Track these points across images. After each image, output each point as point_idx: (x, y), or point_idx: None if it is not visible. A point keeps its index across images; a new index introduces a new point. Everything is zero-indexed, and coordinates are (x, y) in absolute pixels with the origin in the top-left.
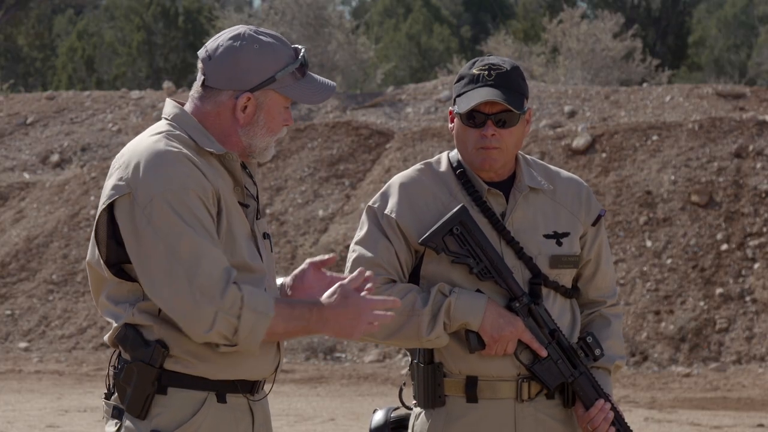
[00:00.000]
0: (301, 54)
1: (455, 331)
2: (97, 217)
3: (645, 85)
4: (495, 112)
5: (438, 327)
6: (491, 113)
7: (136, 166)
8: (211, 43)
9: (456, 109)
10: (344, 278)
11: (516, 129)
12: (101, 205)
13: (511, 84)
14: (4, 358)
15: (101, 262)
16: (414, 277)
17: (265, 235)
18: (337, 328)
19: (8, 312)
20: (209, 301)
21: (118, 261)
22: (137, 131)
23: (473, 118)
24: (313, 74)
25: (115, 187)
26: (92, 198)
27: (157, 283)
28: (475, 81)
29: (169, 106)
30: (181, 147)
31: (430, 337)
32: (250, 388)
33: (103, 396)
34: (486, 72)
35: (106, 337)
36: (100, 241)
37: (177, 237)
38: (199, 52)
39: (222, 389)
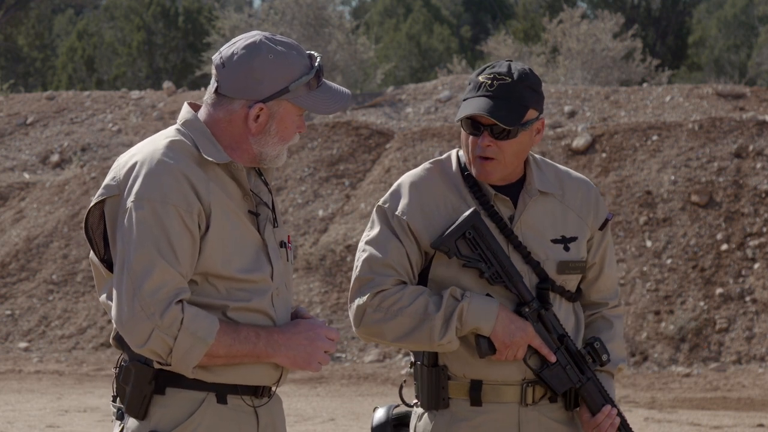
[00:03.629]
0: (316, 63)
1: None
2: (87, 214)
3: (645, 85)
4: (491, 123)
5: (450, 332)
6: (487, 124)
7: (130, 169)
8: (225, 50)
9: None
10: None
11: (516, 140)
12: (92, 202)
13: (512, 95)
14: (4, 358)
15: (96, 259)
16: (422, 279)
17: (282, 244)
18: (292, 355)
19: (8, 312)
20: (148, 317)
21: (110, 258)
22: (137, 131)
23: (471, 126)
24: (328, 82)
25: (106, 187)
26: (92, 198)
27: (114, 285)
28: (476, 89)
29: (183, 111)
30: (180, 159)
31: (442, 341)
32: (253, 391)
33: (111, 399)
34: (489, 82)
35: (111, 338)
36: (93, 238)
37: (136, 247)
38: (213, 58)
39: (222, 390)
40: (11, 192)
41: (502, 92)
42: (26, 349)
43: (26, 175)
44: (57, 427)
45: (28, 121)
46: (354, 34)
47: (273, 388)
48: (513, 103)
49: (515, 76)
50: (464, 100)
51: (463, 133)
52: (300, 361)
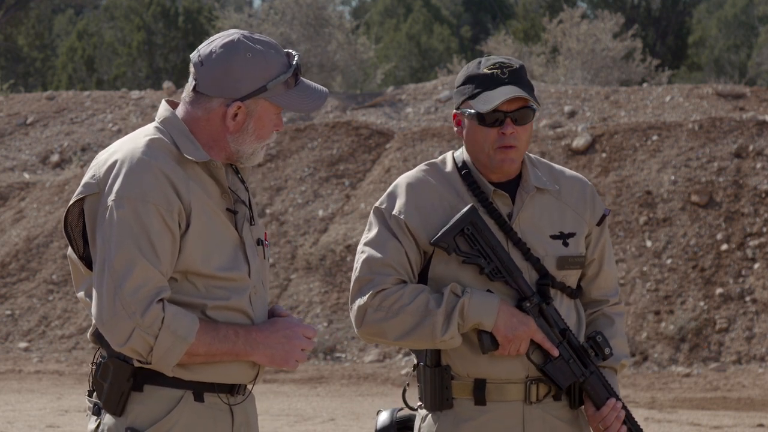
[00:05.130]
0: (294, 62)
1: (464, 333)
2: (66, 211)
3: (645, 85)
4: (513, 109)
5: (452, 327)
6: (509, 111)
7: (110, 167)
8: (203, 48)
9: (473, 110)
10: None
11: (529, 126)
12: (72, 200)
13: (524, 80)
14: (4, 358)
15: (75, 256)
16: (422, 278)
17: (259, 242)
18: (270, 353)
19: (8, 312)
20: (129, 316)
21: (89, 256)
22: None
23: (492, 118)
24: (306, 81)
25: (86, 185)
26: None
27: (94, 284)
28: (490, 80)
29: (162, 108)
30: (160, 157)
31: (445, 337)
32: (229, 389)
33: (86, 393)
34: (499, 71)
35: (88, 334)
36: (71, 235)
37: (117, 246)
38: (191, 56)
39: (199, 388)
40: (11, 192)
41: (515, 78)
42: (26, 349)
43: (26, 175)
44: (57, 427)
45: (28, 121)
46: (354, 34)
47: (249, 387)
48: (527, 86)
49: (516, 63)
50: (474, 95)
51: (475, 129)
52: (278, 360)
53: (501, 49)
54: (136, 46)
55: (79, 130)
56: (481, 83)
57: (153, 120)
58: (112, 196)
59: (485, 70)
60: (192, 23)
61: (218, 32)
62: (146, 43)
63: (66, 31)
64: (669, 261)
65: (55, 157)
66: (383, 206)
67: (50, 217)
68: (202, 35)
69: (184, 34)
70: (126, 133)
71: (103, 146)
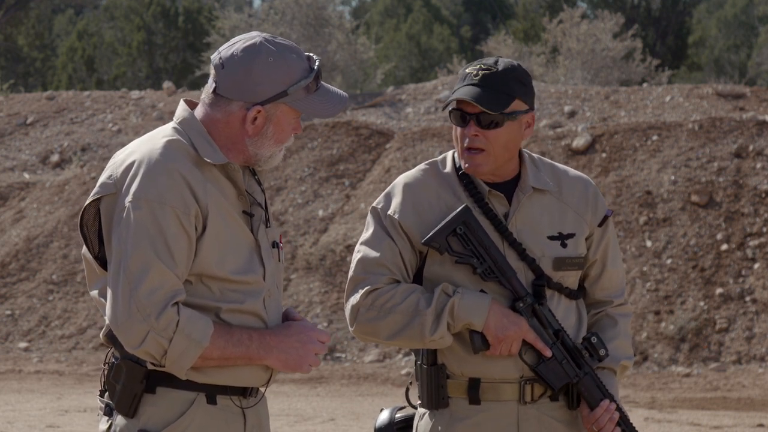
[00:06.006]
0: (316, 66)
1: (458, 332)
2: (82, 211)
3: (645, 85)
4: (477, 112)
5: (441, 327)
6: (473, 113)
7: (127, 168)
8: (225, 50)
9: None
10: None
11: (503, 131)
12: (88, 200)
13: (497, 84)
14: (4, 358)
15: (90, 256)
16: (417, 278)
17: (274, 244)
18: (284, 358)
19: (8, 312)
20: (143, 318)
21: (104, 256)
22: (137, 131)
23: (460, 117)
24: (326, 85)
25: (103, 185)
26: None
27: (109, 285)
28: (463, 80)
29: (180, 109)
30: (177, 159)
31: (434, 337)
32: (242, 391)
33: (98, 394)
34: (474, 72)
35: (101, 334)
36: (87, 235)
37: (133, 248)
38: (212, 57)
39: (212, 391)
40: (11, 192)
41: (487, 81)
42: (26, 349)
43: (26, 175)
44: (57, 427)
45: (28, 121)
46: (354, 34)
47: (262, 389)
48: (498, 92)
49: (500, 67)
50: (454, 92)
51: (453, 127)
52: (292, 364)
53: (501, 49)
54: (136, 46)
55: (79, 130)
56: (459, 81)
57: (153, 119)
58: (129, 198)
59: (468, 69)
60: (192, 23)
61: (218, 32)
62: (146, 43)
63: (66, 31)
64: (669, 261)
65: (55, 157)
66: (379, 206)
67: (50, 217)
68: (202, 35)
69: (184, 34)
70: (126, 133)
71: (103, 146)
